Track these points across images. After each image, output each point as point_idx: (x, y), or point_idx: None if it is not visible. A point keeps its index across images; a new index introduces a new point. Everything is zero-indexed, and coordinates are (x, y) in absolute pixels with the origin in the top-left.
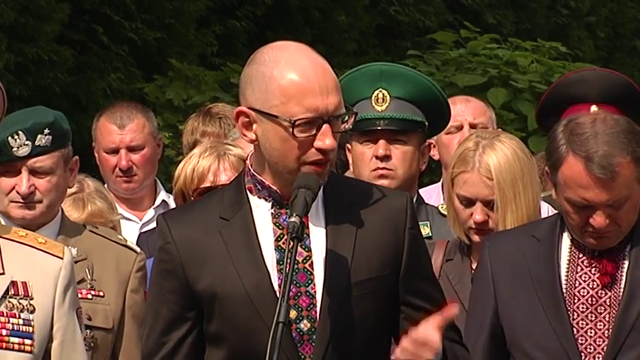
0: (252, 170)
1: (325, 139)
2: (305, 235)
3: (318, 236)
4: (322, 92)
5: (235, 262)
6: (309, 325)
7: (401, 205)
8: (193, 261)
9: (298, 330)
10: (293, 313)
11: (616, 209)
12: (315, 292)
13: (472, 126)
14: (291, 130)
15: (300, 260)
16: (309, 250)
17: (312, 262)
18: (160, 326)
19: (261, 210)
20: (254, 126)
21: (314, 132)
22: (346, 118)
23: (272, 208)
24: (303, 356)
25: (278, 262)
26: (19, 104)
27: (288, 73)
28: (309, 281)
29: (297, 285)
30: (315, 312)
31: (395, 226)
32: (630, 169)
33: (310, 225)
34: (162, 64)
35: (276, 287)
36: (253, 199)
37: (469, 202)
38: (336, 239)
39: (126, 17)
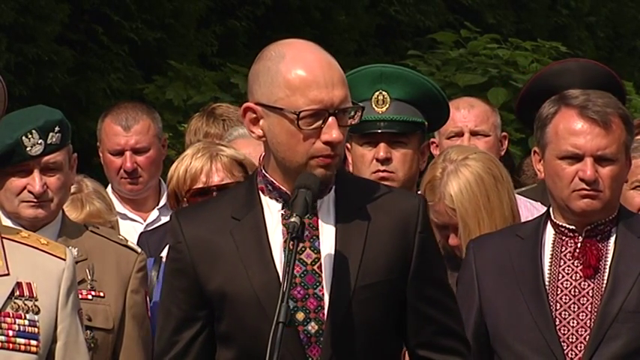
0: (263, 170)
1: (332, 132)
2: (314, 237)
3: (327, 238)
4: (327, 85)
5: (245, 263)
6: (316, 327)
7: (413, 207)
8: (204, 260)
9: (306, 332)
10: (301, 315)
11: (602, 166)
12: (322, 294)
13: (473, 133)
14: (296, 122)
15: (309, 262)
16: (318, 252)
17: (320, 264)
18: (171, 325)
19: (272, 210)
20: (261, 121)
21: (320, 125)
22: (353, 113)
23: (282, 208)
24: (310, 358)
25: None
26: (19, 104)
27: (293, 66)
28: (317, 283)
29: (305, 287)
30: (323, 314)
31: (405, 229)
32: (620, 128)
33: (320, 226)
34: (162, 65)
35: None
36: (265, 200)
37: (443, 227)
38: (345, 241)
39: (126, 17)
